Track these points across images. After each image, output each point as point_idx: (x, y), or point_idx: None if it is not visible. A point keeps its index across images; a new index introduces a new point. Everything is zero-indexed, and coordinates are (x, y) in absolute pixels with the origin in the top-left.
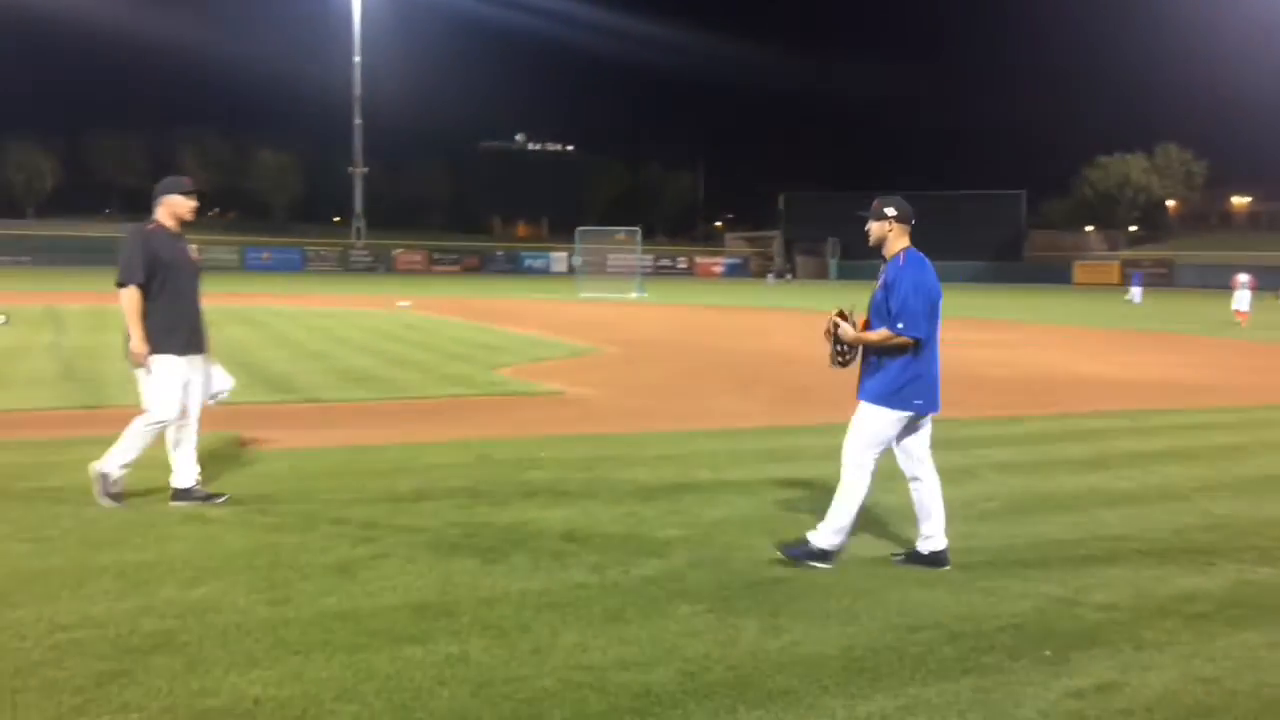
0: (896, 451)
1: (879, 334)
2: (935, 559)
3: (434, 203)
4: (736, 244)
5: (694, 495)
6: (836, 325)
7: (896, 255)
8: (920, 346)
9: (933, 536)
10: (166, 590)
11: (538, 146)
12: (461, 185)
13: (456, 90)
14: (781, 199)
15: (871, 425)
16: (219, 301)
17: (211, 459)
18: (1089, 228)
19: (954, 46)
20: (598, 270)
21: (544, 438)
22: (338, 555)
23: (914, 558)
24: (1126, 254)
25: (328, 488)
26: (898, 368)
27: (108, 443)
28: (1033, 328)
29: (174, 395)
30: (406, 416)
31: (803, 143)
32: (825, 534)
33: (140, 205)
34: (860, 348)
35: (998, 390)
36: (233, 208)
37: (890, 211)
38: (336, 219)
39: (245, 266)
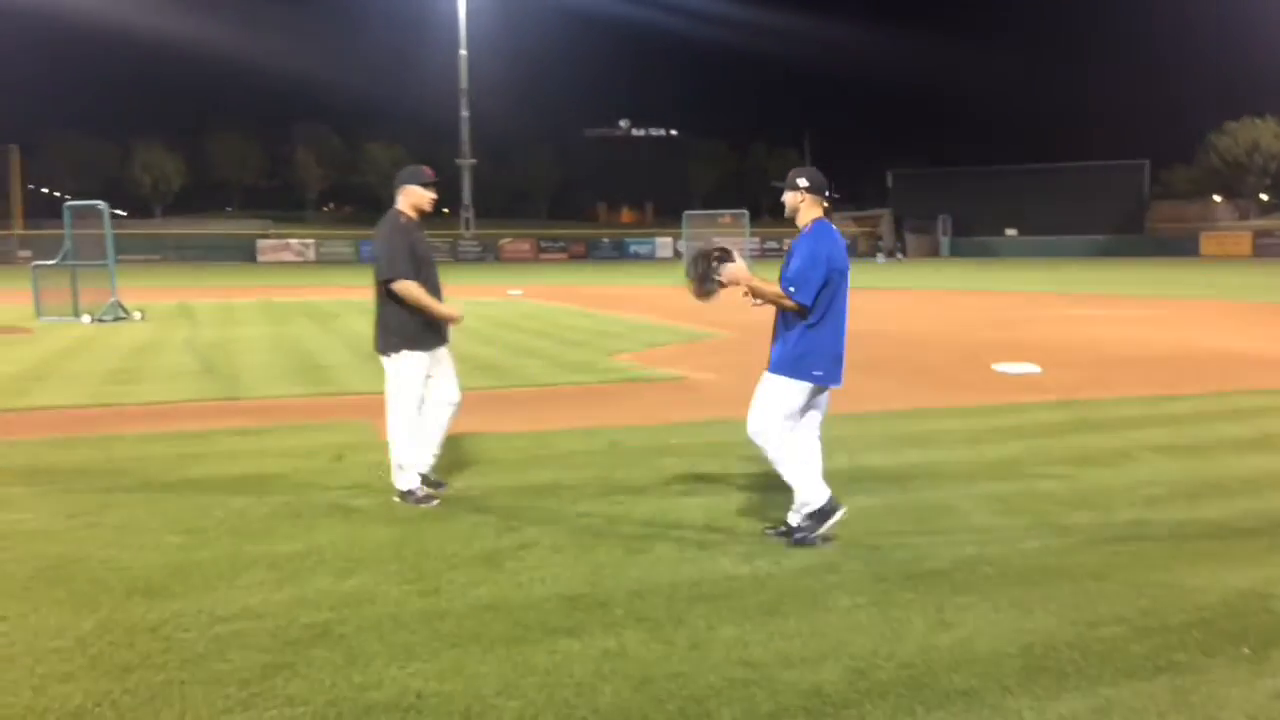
0: None
1: (773, 289)
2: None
3: (539, 191)
4: (843, 223)
5: (833, 482)
6: (718, 256)
7: (806, 225)
8: (812, 315)
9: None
10: (319, 581)
11: (641, 132)
12: (566, 173)
13: (560, 79)
14: (889, 176)
15: (776, 395)
16: (340, 294)
17: (349, 449)
18: (1216, 197)
19: (1069, 12)
20: None
21: (672, 424)
22: (483, 545)
23: (784, 531)
24: (1259, 223)
25: (464, 477)
26: (795, 336)
27: (249, 434)
28: (1163, 302)
29: (415, 392)
30: (533, 404)
31: (911, 118)
32: (806, 497)
33: (258, 202)
34: (719, 287)
35: (1138, 368)
36: (347, 202)
37: (802, 182)
38: (445, 210)
39: (361, 259)
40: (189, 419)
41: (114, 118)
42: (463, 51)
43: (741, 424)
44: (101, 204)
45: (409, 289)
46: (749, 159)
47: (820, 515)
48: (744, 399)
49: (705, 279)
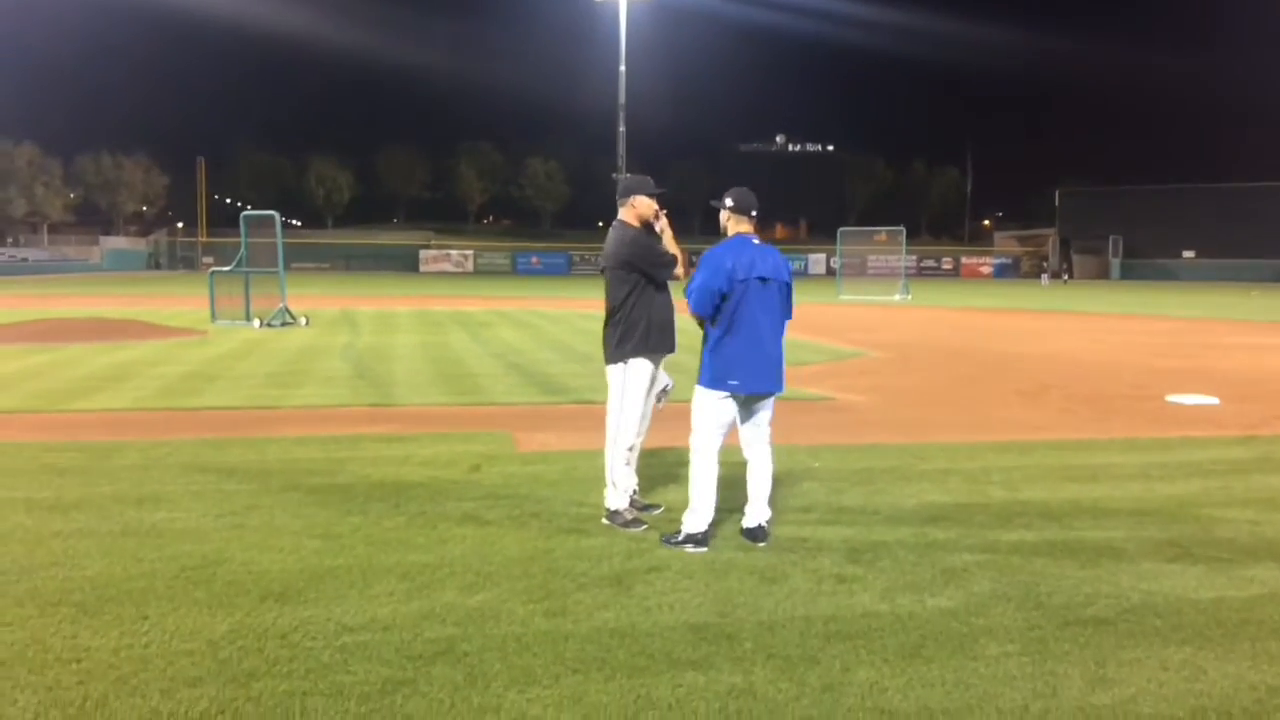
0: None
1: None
2: (749, 534)
3: (694, 206)
4: (1006, 243)
5: (988, 516)
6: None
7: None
8: (718, 325)
9: (747, 514)
10: (447, 594)
11: (797, 147)
12: (720, 188)
13: (716, 94)
14: (1057, 194)
15: (699, 407)
16: (494, 304)
17: (487, 460)
18: None
19: (1262, 24)
20: (857, 272)
21: (816, 446)
22: (611, 566)
23: (744, 533)
24: None
25: (599, 492)
26: (709, 349)
27: (393, 441)
28: None
29: (638, 411)
30: (677, 420)
31: (1082, 134)
32: (687, 517)
33: (422, 214)
34: None
35: None
36: (505, 215)
37: (728, 202)
38: (600, 224)
39: (516, 270)
40: (339, 424)
41: (292, 133)
42: (622, 68)
43: (891, 450)
44: (274, 214)
45: (682, 265)
46: (908, 176)
47: (689, 539)
48: (895, 423)
49: None
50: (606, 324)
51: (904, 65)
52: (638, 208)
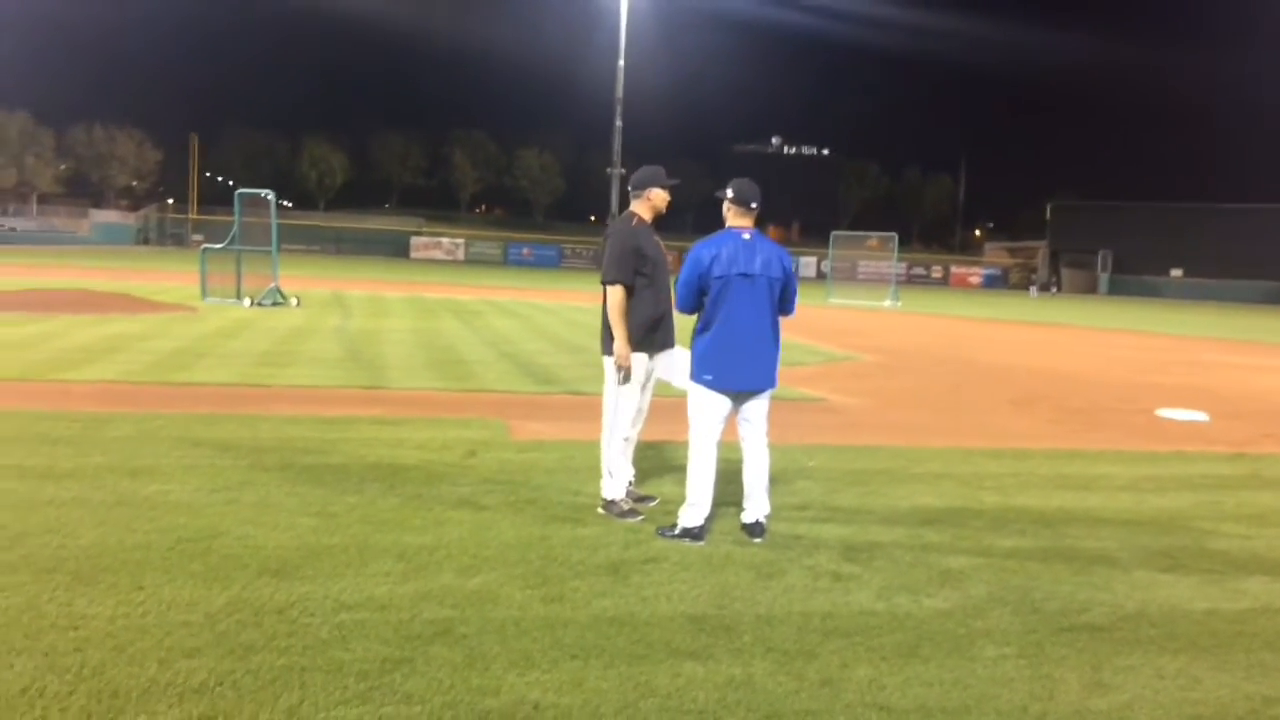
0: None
1: None
2: (747, 529)
3: (686, 204)
4: (996, 254)
5: (982, 521)
6: None
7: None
8: (700, 319)
9: (745, 509)
10: (445, 577)
11: (792, 150)
12: (715, 188)
13: (714, 94)
14: (1049, 207)
15: (691, 401)
16: (485, 294)
17: (482, 446)
18: None
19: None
20: (847, 276)
21: (810, 446)
22: (608, 555)
23: (743, 528)
24: None
25: (596, 482)
26: (694, 340)
27: (386, 424)
28: None
29: (634, 402)
30: (668, 414)
31: (1075, 147)
32: (684, 511)
33: (414, 201)
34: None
35: None
36: (498, 205)
37: (728, 192)
38: (592, 218)
39: (507, 261)
40: (332, 404)
41: (287, 113)
42: (620, 62)
43: (885, 453)
44: (269, 193)
45: (615, 298)
46: (901, 182)
47: (686, 533)
48: (888, 426)
49: None
50: (604, 317)
51: (902, 71)
52: (653, 200)
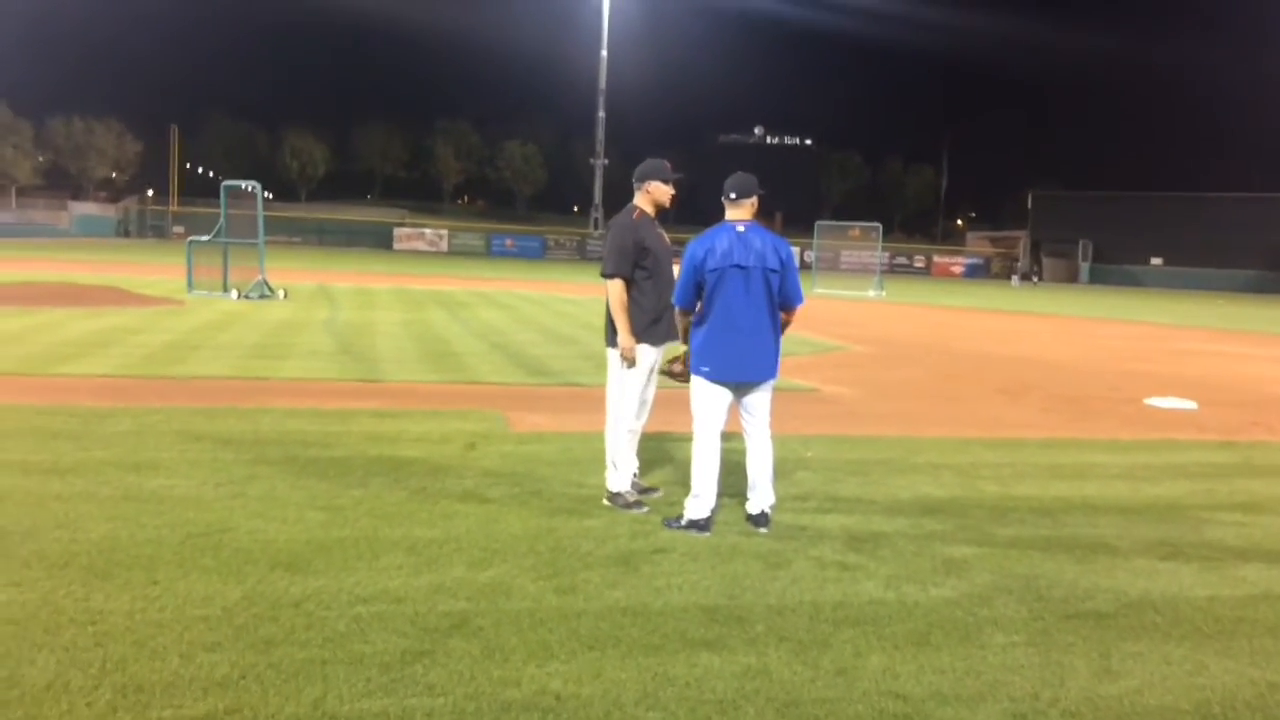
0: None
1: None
2: (752, 520)
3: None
4: (978, 243)
5: (983, 510)
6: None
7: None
8: (696, 313)
9: (750, 500)
10: (457, 570)
11: (775, 140)
12: (698, 178)
13: (698, 84)
14: (1030, 197)
15: (693, 393)
16: (470, 285)
17: (481, 439)
18: None
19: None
20: (831, 266)
21: (807, 436)
22: (617, 546)
23: (748, 519)
24: None
25: (598, 474)
26: (691, 335)
27: (385, 417)
28: None
29: (638, 394)
30: (662, 405)
31: (1056, 137)
32: (689, 503)
33: (397, 192)
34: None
35: None
36: (481, 196)
37: (730, 191)
38: (575, 209)
39: (490, 252)
40: (329, 398)
41: (268, 104)
42: (604, 52)
43: (882, 443)
44: (255, 184)
45: (615, 290)
46: (884, 173)
47: (692, 525)
48: (882, 416)
49: (670, 375)
50: (608, 309)
51: (885, 61)
52: (653, 194)
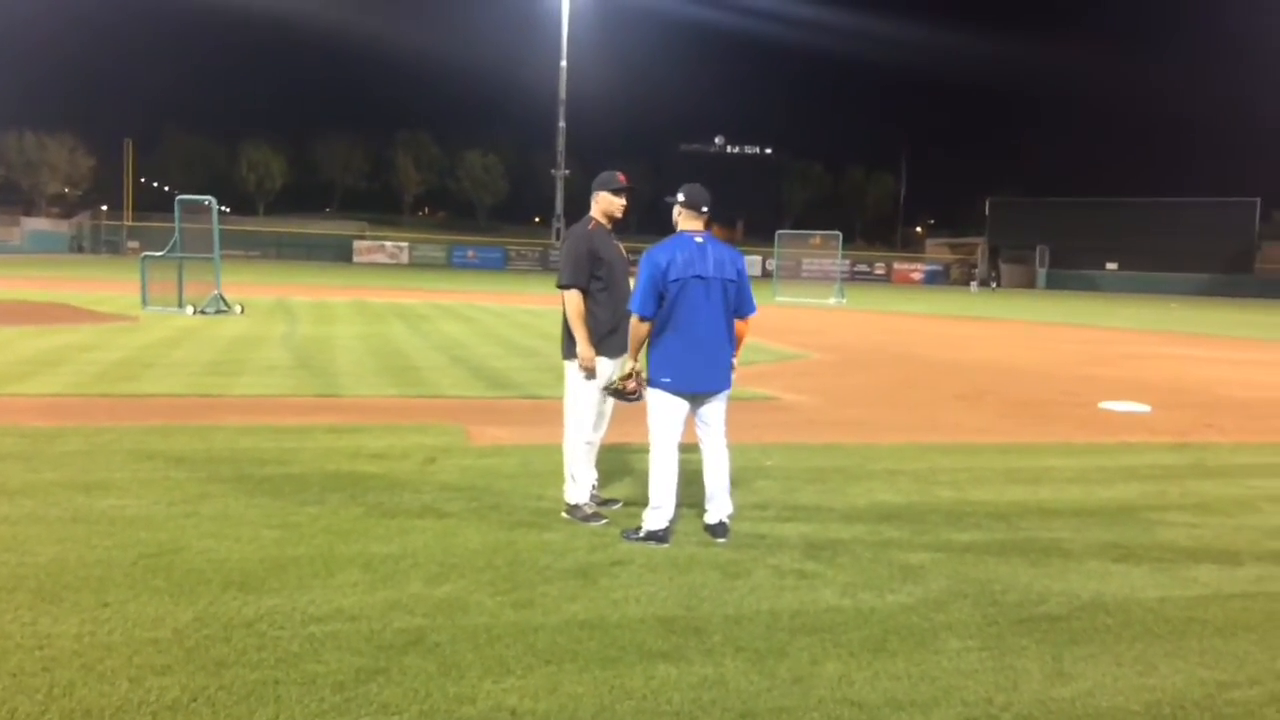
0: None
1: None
2: (710, 530)
3: (632, 204)
4: (937, 250)
5: (939, 516)
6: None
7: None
8: (657, 323)
9: (708, 510)
10: (413, 585)
11: (736, 149)
12: (661, 187)
13: (658, 94)
14: (987, 204)
15: (650, 405)
16: (431, 297)
17: (441, 453)
18: None
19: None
20: (792, 275)
21: (766, 445)
22: (575, 559)
23: (706, 529)
24: None
25: (558, 486)
26: (650, 347)
27: (343, 432)
28: (1276, 345)
29: (595, 406)
30: (622, 416)
31: (1012, 145)
32: (648, 514)
33: (356, 204)
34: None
35: (1253, 413)
36: (442, 207)
37: (680, 197)
38: (537, 219)
39: (451, 264)
40: (285, 413)
41: (223, 117)
42: (563, 63)
43: (840, 450)
44: (210, 199)
45: (572, 301)
46: (845, 181)
47: (650, 536)
48: (841, 423)
49: (622, 394)
50: (565, 321)
51: (844, 70)
52: (602, 204)
